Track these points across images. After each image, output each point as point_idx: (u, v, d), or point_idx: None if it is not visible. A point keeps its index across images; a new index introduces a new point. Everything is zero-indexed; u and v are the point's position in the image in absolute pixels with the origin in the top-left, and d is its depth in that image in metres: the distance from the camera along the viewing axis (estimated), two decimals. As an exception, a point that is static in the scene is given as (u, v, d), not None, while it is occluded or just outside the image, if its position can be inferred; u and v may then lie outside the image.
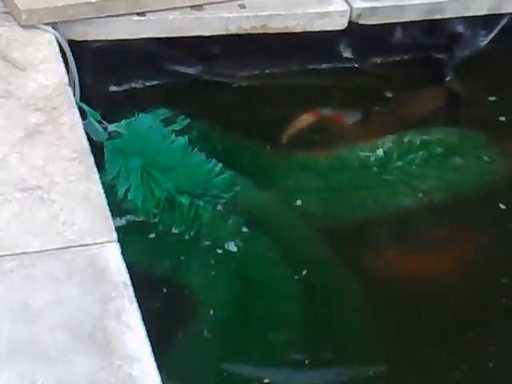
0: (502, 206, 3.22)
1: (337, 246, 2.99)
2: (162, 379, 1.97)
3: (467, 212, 3.18)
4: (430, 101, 3.65)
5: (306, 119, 3.46)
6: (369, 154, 3.31)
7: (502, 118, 3.57)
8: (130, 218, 2.89)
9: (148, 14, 3.13)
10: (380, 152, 3.31)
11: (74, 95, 2.82)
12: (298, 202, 3.13)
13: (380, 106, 3.61)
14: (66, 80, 2.79)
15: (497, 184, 3.31)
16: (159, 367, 1.99)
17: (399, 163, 3.30)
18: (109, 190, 2.60)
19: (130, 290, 2.13)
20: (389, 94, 3.65)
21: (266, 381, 2.60)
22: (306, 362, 2.69)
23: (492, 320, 2.85)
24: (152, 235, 2.90)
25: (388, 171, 3.28)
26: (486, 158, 3.39)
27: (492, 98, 3.64)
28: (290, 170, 3.24)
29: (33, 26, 2.96)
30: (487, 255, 3.05)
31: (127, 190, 2.87)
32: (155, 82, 3.44)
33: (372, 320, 2.80)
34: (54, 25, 2.98)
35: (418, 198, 3.20)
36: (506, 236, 3.14)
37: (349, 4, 3.40)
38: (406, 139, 3.38)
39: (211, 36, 3.25)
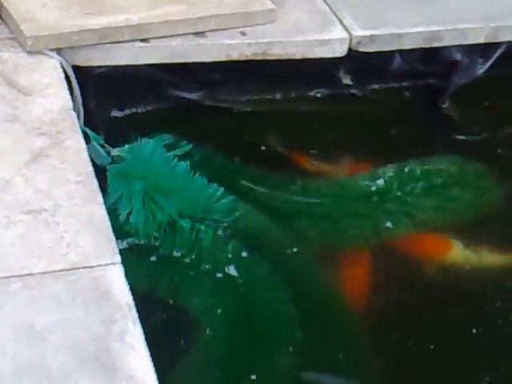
0: (500, 237, 3.24)
1: (334, 272, 3.01)
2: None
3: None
4: None
5: None
6: (369, 183, 3.34)
7: (499, 146, 3.60)
8: (132, 241, 2.90)
9: (151, 41, 3.16)
10: (381, 181, 3.34)
11: (78, 120, 2.84)
12: (298, 228, 3.16)
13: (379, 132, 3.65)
14: (71, 105, 2.83)
15: (495, 214, 3.33)
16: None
17: (399, 193, 3.33)
18: (111, 213, 2.62)
19: (134, 311, 2.15)
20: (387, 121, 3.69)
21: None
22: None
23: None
24: (153, 258, 2.91)
25: (388, 201, 3.30)
26: (485, 189, 3.42)
27: (489, 126, 3.68)
28: (290, 196, 3.26)
29: (38, 52, 2.99)
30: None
31: (129, 214, 2.88)
32: (158, 107, 3.46)
33: (370, 345, 2.83)
34: (58, 51, 3.01)
35: (416, 228, 3.22)
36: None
37: (348, 32, 3.44)
38: (406, 169, 3.41)
39: (213, 62, 3.28)
